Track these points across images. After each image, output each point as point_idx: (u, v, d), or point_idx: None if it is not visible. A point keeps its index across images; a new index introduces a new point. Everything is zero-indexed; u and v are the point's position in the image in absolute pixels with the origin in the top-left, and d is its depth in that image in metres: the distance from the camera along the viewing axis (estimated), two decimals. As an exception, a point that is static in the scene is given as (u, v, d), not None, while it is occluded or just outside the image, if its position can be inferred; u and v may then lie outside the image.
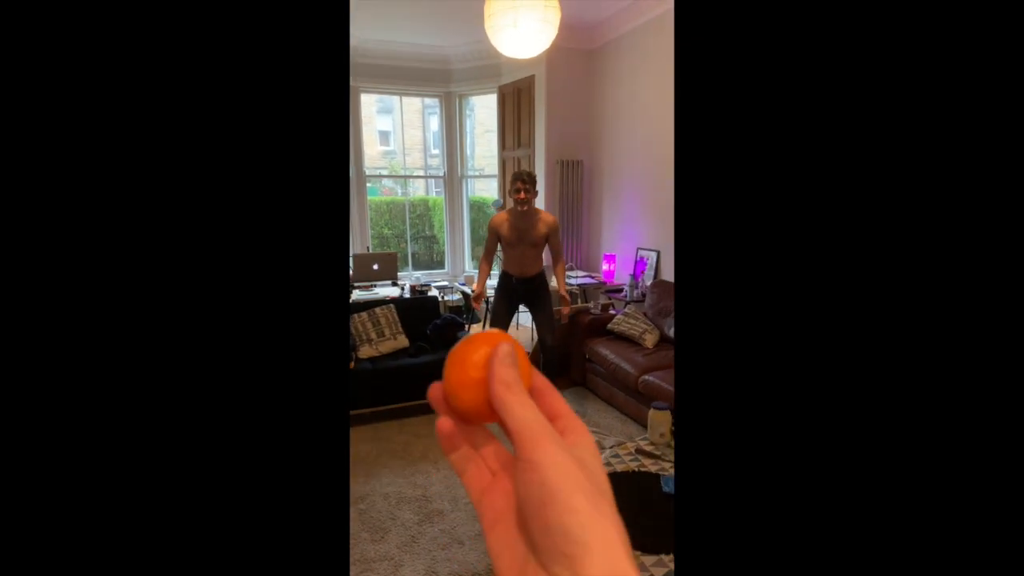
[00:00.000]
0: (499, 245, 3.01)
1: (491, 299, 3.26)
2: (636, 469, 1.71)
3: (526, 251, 2.96)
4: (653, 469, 1.70)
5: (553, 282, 3.24)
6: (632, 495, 1.57)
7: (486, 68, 4.79)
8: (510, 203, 2.87)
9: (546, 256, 3.14)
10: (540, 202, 4.51)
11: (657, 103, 3.67)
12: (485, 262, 3.08)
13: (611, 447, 2.13)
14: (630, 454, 1.81)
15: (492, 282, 3.43)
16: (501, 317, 3.12)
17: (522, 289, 3.04)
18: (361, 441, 2.88)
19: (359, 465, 2.65)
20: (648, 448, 1.84)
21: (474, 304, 3.10)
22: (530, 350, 3.84)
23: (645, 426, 2.84)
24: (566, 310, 3.08)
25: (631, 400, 2.98)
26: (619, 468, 1.71)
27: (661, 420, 1.88)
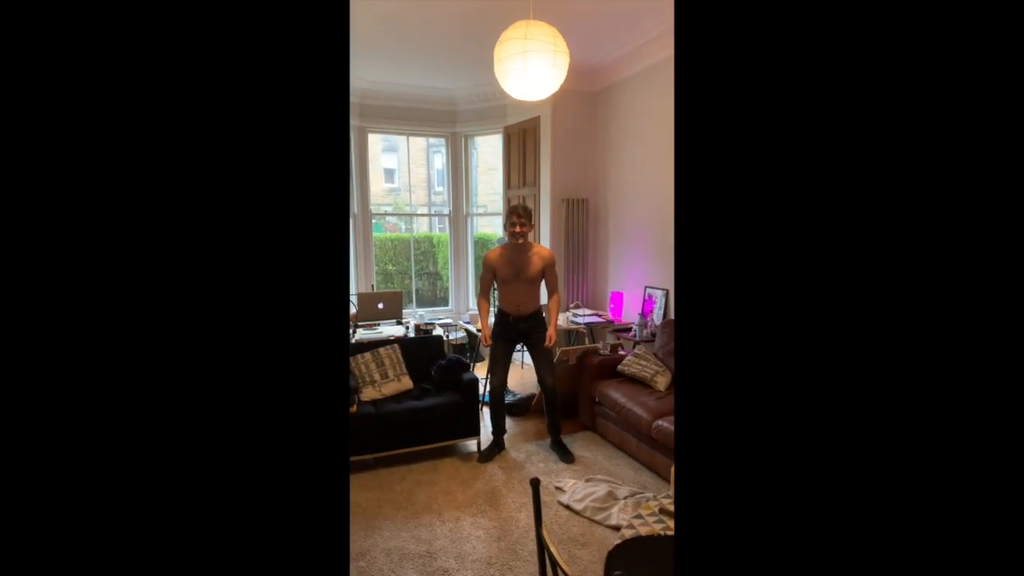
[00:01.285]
0: (495, 283, 2.98)
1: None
2: (661, 532, 1.59)
3: (520, 287, 2.92)
4: (677, 530, 1.58)
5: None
6: (660, 562, 1.46)
7: (492, 109, 4.86)
8: (507, 237, 2.86)
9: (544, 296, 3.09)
10: (545, 240, 4.49)
11: (660, 143, 3.70)
12: (483, 299, 3.04)
13: (624, 498, 2.01)
14: (653, 514, 1.70)
15: (492, 320, 3.37)
16: (499, 359, 3.04)
17: (519, 327, 2.98)
18: (361, 489, 2.73)
19: (359, 517, 2.51)
20: (672, 507, 1.73)
21: (484, 343, 3.03)
22: (535, 391, 3.74)
23: (658, 473, 2.72)
24: (550, 343, 2.99)
25: (643, 446, 2.86)
26: (643, 531, 1.60)
27: (683, 475, 1.77)
